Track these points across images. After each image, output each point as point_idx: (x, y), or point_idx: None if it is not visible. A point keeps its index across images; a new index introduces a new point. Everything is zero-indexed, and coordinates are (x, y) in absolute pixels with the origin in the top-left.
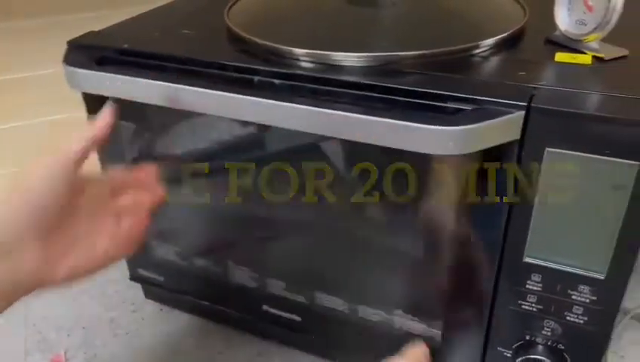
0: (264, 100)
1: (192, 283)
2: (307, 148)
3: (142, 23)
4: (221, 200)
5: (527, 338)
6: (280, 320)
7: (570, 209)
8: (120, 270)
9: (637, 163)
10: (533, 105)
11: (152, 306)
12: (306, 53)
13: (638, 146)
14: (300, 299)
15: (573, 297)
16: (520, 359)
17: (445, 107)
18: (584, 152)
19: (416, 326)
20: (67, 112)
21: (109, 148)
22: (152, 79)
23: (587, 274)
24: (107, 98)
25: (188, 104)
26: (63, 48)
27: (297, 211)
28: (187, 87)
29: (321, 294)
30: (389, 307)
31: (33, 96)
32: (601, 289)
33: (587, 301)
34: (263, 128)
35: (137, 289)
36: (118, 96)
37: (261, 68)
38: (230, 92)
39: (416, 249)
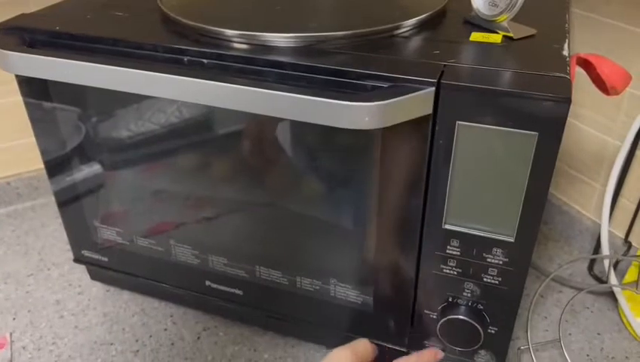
0: (190, 79)
1: (136, 263)
2: (244, 129)
3: (74, 5)
4: (161, 182)
5: (450, 300)
6: (223, 294)
7: (481, 177)
8: (63, 253)
9: (536, 133)
10: (443, 81)
11: (97, 288)
12: (236, 34)
13: (537, 118)
14: (241, 273)
15: (488, 260)
16: (444, 319)
17: (364, 85)
18: (491, 124)
19: (350, 293)
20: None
21: (48, 133)
22: (84, 61)
23: (499, 238)
24: (42, 80)
25: (118, 84)
26: None
27: (236, 190)
28: (117, 67)
29: (261, 268)
30: (324, 277)
31: None
32: (511, 251)
33: (500, 263)
34: (202, 110)
35: (82, 272)
36: (51, 79)
37: (191, 48)
38: (160, 72)
39: (345, 222)
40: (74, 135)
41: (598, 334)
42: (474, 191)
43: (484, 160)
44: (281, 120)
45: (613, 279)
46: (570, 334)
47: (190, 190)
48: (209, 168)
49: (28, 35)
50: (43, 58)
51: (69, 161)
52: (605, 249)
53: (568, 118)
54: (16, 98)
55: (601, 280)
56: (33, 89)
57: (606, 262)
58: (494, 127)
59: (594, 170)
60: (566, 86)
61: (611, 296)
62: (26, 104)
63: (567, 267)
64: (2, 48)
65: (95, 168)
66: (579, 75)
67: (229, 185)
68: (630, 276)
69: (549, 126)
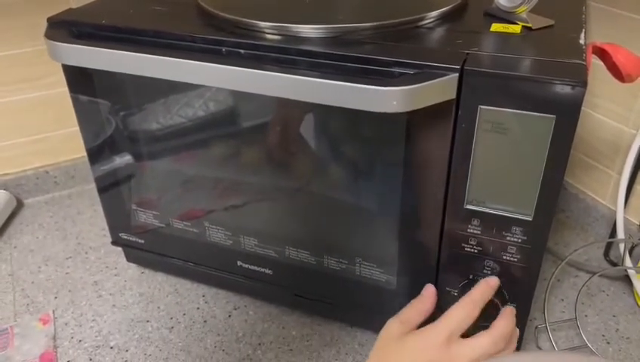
0: (231, 67)
1: (171, 244)
2: (273, 119)
3: (116, 0)
4: (193, 170)
5: (471, 277)
6: (253, 274)
7: (501, 159)
8: (99, 238)
9: (553, 116)
10: (466, 67)
11: (133, 270)
12: (270, 25)
13: (554, 102)
14: (271, 253)
15: (508, 238)
16: None
17: (391, 72)
18: (511, 108)
19: (374, 271)
20: (41, 90)
21: (90, 123)
22: (129, 51)
23: (518, 217)
24: (87, 74)
25: (163, 73)
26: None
27: (266, 176)
28: (163, 57)
29: (290, 248)
30: (350, 256)
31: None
32: (529, 229)
33: (519, 241)
34: (229, 103)
35: (118, 256)
36: (97, 68)
37: (228, 39)
38: (203, 61)
39: (371, 204)
40: (112, 125)
41: (614, 316)
42: (495, 172)
43: (504, 142)
44: (309, 109)
45: (628, 262)
46: (586, 316)
47: (222, 177)
48: (239, 157)
49: (75, 27)
50: (90, 48)
51: (109, 149)
52: (620, 233)
53: (585, 108)
54: (55, 91)
55: (616, 265)
56: (79, 82)
57: (621, 246)
58: (514, 110)
59: (610, 159)
60: (582, 71)
61: (627, 280)
62: (72, 97)
63: (584, 253)
64: (53, 40)
65: (130, 157)
66: (596, 67)
67: (260, 172)
68: None
69: (566, 109)
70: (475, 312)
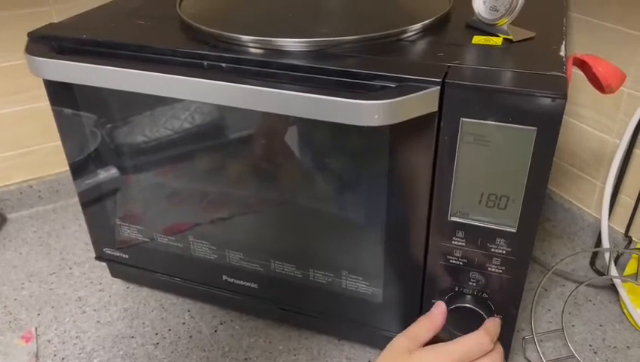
0: (213, 82)
1: (156, 259)
2: (258, 132)
3: (98, 14)
4: (179, 184)
5: (457, 289)
6: (239, 288)
7: (484, 171)
8: (84, 253)
9: (535, 128)
10: (447, 80)
11: (118, 285)
12: (252, 39)
13: (536, 114)
14: (257, 267)
15: (492, 250)
16: (451, 308)
17: (373, 85)
18: (493, 121)
19: (360, 284)
20: (25, 104)
21: (73, 137)
22: (110, 66)
23: (502, 229)
24: (69, 88)
25: (143, 87)
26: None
27: (251, 189)
28: (144, 72)
29: (276, 262)
30: (336, 269)
31: None
32: (514, 240)
33: (503, 252)
34: (215, 116)
35: (103, 270)
36: (78, 83)
37: (210, 53)
38: (184, 75)
39: (356, 217)
40: (96, 139)
41: (600, 325)
42: (478, 184)
43: (487, 154)
44: (293, 122)
45: (613, 271)
46: (573, 325)
47: (207, 191)
48: (224, 170)
49: (56, 42)
50: (70, 63)
51: (92, 163)
52: (605, 242)
53: (570, 119)
54: (39, 104)
55: (602, 274)
56: (61, 96)
57: (606, 255)
58: (496, 123)
59: (594, 168)
60: (562, 83)
61: (613, 289)
62: (54, 110)
63: (570, 262)
64: (33, 55)
65: (115, 171)
66: (580, 78)
67: (245, 185)
68: (630, 269)
69: (547, 121)
70: (488, 344)
